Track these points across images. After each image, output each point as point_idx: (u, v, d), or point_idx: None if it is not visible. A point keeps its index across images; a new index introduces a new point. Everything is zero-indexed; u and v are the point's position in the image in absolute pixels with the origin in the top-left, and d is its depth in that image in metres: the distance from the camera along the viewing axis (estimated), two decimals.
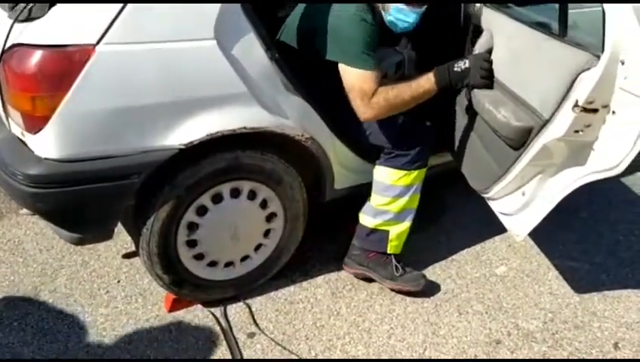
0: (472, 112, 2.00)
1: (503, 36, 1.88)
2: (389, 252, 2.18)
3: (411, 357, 1.95)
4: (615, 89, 1.41)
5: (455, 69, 1.92)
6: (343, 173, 2.18)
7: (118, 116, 1.63)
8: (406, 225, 2.18)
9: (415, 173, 2.11)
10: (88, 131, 1.62)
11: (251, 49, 1.78)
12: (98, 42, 1.55)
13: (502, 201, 1.98)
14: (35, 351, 1.91)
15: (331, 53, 1.94)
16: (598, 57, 1.43)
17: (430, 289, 2.24)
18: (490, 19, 1.98)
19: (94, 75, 1.57)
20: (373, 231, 2.17)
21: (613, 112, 1.44)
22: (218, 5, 1.67)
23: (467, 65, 1.91)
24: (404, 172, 2.09)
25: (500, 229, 2.35)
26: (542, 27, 1.76)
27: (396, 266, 2.18)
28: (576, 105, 1.48)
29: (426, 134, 2.15)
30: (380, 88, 1.90)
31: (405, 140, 2.08)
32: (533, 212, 1.82)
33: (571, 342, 2.04)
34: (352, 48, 1.90)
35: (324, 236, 2.44)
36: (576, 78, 1.48)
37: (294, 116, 1.92)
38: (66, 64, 1.55)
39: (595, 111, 1.46)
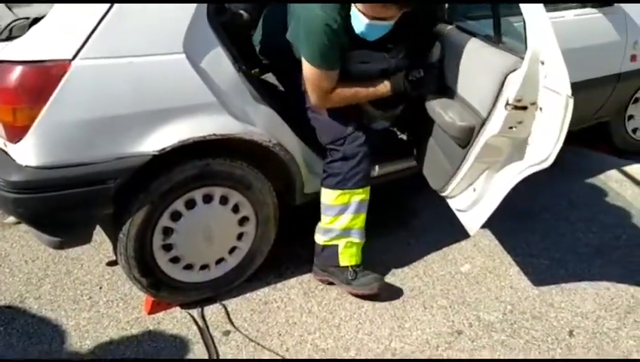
0: (427, 117, 2.15)
1: (452, 46, 2.04)
2: (341, 265, 2.28)
3: (378, 348, 2.06)
4: (539, 87, 1.56)
5: (410, 78, 2.08)
6: (312, 178, 2.31)
7: (94, 126, 1.77)
8: (353, 239, 2.26)
9: (350, 192, 2.18)
10: (66, 140, 1.76)
11: (219, 61, 1.93)
12: (74, 57, 1.71)
13: (457, 199, 2.12)
14: (19, 352, 2.01)
15: (299, 49, 2.08)
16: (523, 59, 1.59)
17: (391, 289, 2.34)
18: (440, 30, 2.14)
19: (71, 87, 1.71)
20: (325, 247, 2.30)
21: (540, 109, 1.59)
22: (187, 21, 1.82)
23: (421, 74, 2.07)
24: (339, 191, 2.17)
25: (466, 231, 2.48)
26: (484, 37, 1.93)
27: (350, 271, 2.27)
28: (507, 103, 1.63)
29: (362, 156, 2.16)
30: (338, 88, 2.05)
31: (336, 161, 2.17)
32: (484, 207, 1.96)
33: (529, 330, 2.15)
34: (313, 48, 2.00)
35: (296, 240, 2.56)
36: (505, 79, 1.63)
37: (262, 123, 2.07)
38: (44, 78, 1.70)
39: (525, 108, 1.61)
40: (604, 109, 3.03)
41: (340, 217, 2.22)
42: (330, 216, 2.23)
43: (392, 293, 2.33)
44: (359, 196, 2.19)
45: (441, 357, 2.03)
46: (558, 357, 2.03)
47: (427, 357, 2.03)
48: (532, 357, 2.03)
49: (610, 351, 2.06)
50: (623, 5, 2.78)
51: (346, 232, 2.24)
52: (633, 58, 2.89)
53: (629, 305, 2.26)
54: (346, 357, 2.03)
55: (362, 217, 2.24)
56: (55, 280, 2.36)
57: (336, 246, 2.27)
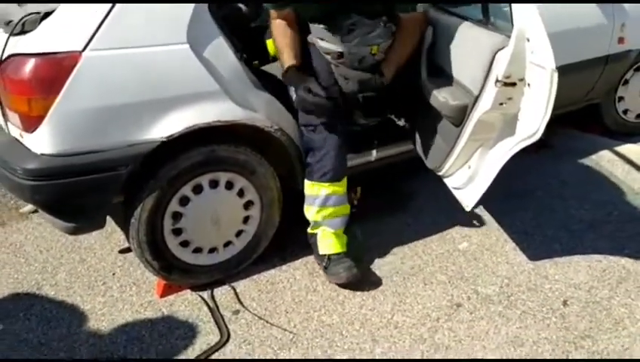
0: (421, 99, 2.24)
1: (443, 29, 2.13)
2: (320, 253, 2.35)
3: (380, 322, 2.16)
4: (527, 63, 1.65)
5: (306, 89, 2.13)
6: None
7: (105, 114, 1.87)
8: (327, 230, 2.32)
9: (318, 185, 2.23)
10: (79, 128, 1.86)
11: (221, 51, 2.03)
12: (84, 49, 1.81)
13: (453, 177, 2.21)
14: (39, 336, 2.10)
15: None
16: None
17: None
18: (432, 16, 2.23)
19: (82, 78, 1.81)
20: (310, 235, 2.41)
21: (528, 84, 1.69)
22: (189, 13, 1.91)
23: (318, 93, 2.12)
24: (309, 182, 2.26)
25: (463, 210, 2.57)
26: (471, 19, 2.02)
27: (325, 260, 2.32)
28: (497, 80, 1.72)
29: (327, 150, 2.19)
30: (279, 21, 2.20)
31: (310, 151, 2.25)
32: (479, 183, 2.06)
33: (525, 302, 2.25)
34: None
35: (300, 224, 2.64)
36: (494, 57, 1.73)
37: (263, 109, 2.16)
38: (56, 69, 1.79)
39: (514, 84, 1.70)
40: (594, 91, 3.12)
41: (311, 207, 2.30)
42: (305, 204, 2.33)
43: (392, 272, 2.42)
44: (327, 189, 2.23)
45: (441, 328, 2.12)
46: (552, 325, 2.12)
47: (428, 328, 2.12)
48: (528, 324, 2.12)
49: (602, 318, 2.15)
50: None
51: (321, 223, 2.32)
52: (621, 40, 2.98)
53: (620, 276, 2.36)
54: (350, 330, 2.12)
55: (333, 210, 2.28)
56: (70, 268, 2.45)
57: (316, 234, 2.37)
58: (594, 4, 2.81)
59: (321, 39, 2.18)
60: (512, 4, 1.65)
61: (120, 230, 2.56)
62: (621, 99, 3.36)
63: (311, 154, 2.24)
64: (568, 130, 3.49)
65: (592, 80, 3.03)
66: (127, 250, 2.51)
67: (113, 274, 2.43)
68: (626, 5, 2.94)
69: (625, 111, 3.43)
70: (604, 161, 3.24)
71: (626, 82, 3.31)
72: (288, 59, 2.19)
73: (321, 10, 2.13)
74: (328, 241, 2.34)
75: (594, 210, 2.79)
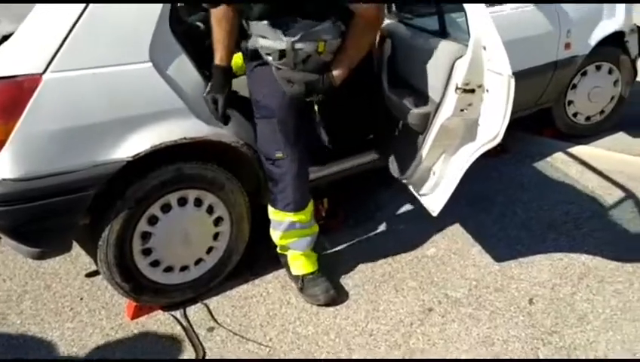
0: (386, 109, 2.30)
1: (402, 40, 2.19)
2: (293, 274, 2.36)
3: (355, 331, 2.18)
4: (484, 71, 1.72)
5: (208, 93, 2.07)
6: None
7: (68, 136, 1.85)
8: (296, 252, 2.32)
9: (282, 214, 2.20)
10: (41, 151, 1.82)
11: (184, 68, 2.03)
12: (44, 71, 1.78)
13: (418, 183, 2.26)
14: None
15: None
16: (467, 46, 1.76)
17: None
18: (391, 28, 2.30)
19: (43, 100, 1.79)
20: (280, 255, 2.43)
21: (487, 90, 1.76)
22: (151, 31, 1.92)
23: (218, 101, 2.07)
24: (273, 209, 2.24)
25: (430, 217, 2.63)
26: (429, 30, 2.09)
27: (300, 281, 2.33)
28: (457, 87, 1.79)
29: (287, 183, 2.15)
30: (214, 15, 2.03)
31: (271, 181, 2.20)
32: (444, 188, 2.12)
33: (493, 302, 2.31)
34: None
35: (270, 238, 2.65)
36: (453, 65, 1.80)
37: (230, 126, 2.16)
38: (16, 92, 1.76)
39: (473, 91, 1.77)
40: (545, 96, 3.25)
41: (276, 231, 2.29)
42: (270, 227, 2.32)
43: (364, 280, 2.45)
44: (292, 218, 2.21)
45: (415, 333, 2.15)
46: (520, 323, 2.18)
47: (402, 334, 2.15)
48: (498, 324, 2.18)
49: (567, 314, 2.23)
50: None
51: (288, 245, 2.32)
52: (567, 46, 3.12)
53: (581, 272, 2.45)
54: (326, 340, 2.13)
55: (299, 233, 2.26)
56: (35, 296, 2.39)
57: (286, 255, 2.39)
58: (541, 13, 2.94)
59: (262, 37, 1.91)
60: (468, 15, 1.72)
61: (85, 253, 2.51)
62: (571, 102, 3.51)
63: (272, 184, 2.20)
64: (523, 134, 3.61)
65: (542, 85, 3.16)
66: (94, 274, 2.46)
67: (81, 298, 2.38)
68: (570, 12, 3.08)
69: (575, 115, 3.58)
70: (558, 162, 3.37)
71: (575, 86, 3.46)
72: (216, 57, 2.06)
73: (265, 11, 1.89)
74: (298, 263, 2.35)
75: (552, 210, 2.90)
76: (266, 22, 1.88)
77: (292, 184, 2.15)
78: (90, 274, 2.49)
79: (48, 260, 2.48)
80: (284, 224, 2.24)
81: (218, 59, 2.07)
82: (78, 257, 2.58)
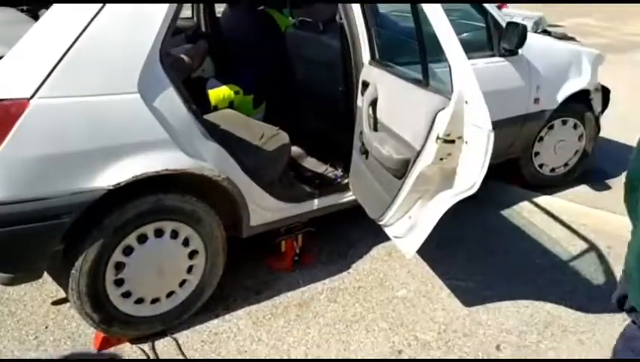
0: (365, 151, 2.36)
1: (385, 87, 2.27)
2: None
3: None
4: (465, 123, 1.80)
5: None
6: (258, 211, 2.44)
7: (50, 162, 1.83)
8: None
9: None
10: (22, 176, 1.81)
11: (171, 100, 2.05)
12: (32, 96, 1.77)
13: (394, 226, 2.31)
14: None
15: None
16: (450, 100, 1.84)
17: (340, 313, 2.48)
18: (375, 74, 2.38)
19: (28, 125, 1.78)
20: None
21: (466, 142, 1.83)
22: (141, 63, 1.94)
23: None
24: None
25: (401, 258, 2.67)
26: (412, 80, 2.18)
27: None
28: (438, 137, 1.86)
29: None
30: None
31: None
32: (419, 232, 2.16)
33: (461, 347, 2.35)
34: None
35: (242, 272, 2.66)
36: (435, 117, 1.87)
37: (211, 159, 2.19)
38: (2, 115, 1.75)
39: (453, 142, 1.84)
40: (514, 146, 3.39)
41: None
42: None
43: (335, 319, 2.46)
44: None
45: None
46: None
47: None
48: None
49: None
50: (525, 53, 3.16)
51: None
52: (536, 101, 3.28)
53: (546, 320, 2.52)
54: None
55: None
56: None
57: None
58: (513, 69, 3.09)
59: None
60: (452, 70, 1.80)
61: (52, 280, 2.45)
62: (537, 154, 3.65)
63: None
64: (491, 182, 3.73)
65: (512, 136, 3.29)
66: (62, 301, 2.40)
67: (46, 327, 2.32)
68: (541, 69, 3.24)
69: (541, 166, 3.72)
70: (525, 211, 3.48)
71: (541, 139, 3.61)
72: None
73: None
74: None
75: (518, 257, 2.98)
76: None
77: None
78: (56, 302, 2.43)
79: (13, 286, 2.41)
80: None
81: None
82: (44, 284, 2.52)
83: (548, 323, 2.50)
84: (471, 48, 2.94)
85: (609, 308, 2.53)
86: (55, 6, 1.93)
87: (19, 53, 1.82)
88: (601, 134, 3.88)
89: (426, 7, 1.90)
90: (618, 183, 3.81)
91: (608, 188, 3.78)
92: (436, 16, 1.87)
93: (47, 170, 1.84)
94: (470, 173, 1.84)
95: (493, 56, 3.06)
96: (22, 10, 2.71)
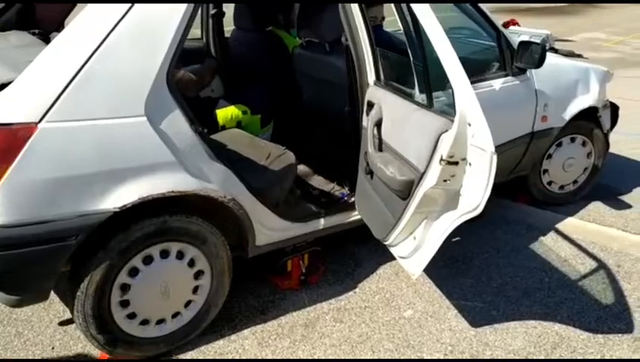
0: (369, 172, 2.36)
1: (389, 108, 2.28)
2: None
3: None
4: (468, 145, 1.80)
5: None
6: (264, 231, 2.45)
7: (57, 185, 1.86)
8: None
9: None
10: (30, 199, 1.83)
11: (177, 123, 2.07)
12: (40, 120, 1.80)
13: (399, 246, 2.31)
14: None
15: None
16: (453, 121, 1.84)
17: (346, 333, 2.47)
18: (379, 95, 2.39)
19: (36, 149, 1.80)
20: None
21: (470, 164, 1.83)
22: (148, 86, 1.96)
23: None
24: None
25: (408, 277, 2.65)
26: (416, 101, 2.19)
27: None
28: (441, 159, 1.86)
29: None
30: None
31: None
32: (424, 253, 2.16)
33: None
34: None
35: (248, 291, 2.66)
36: (439, 138, 1.88)
37: (217, 180, 2.20)
38: (10, 140, 1.78)
39: (456, 163, 1.84)
40: (522, 164, 3.38)
41: None
42: None
43: (341, 340, 2.45)
44: None
45: None
46: None
47: None
48: None
49: None
50: (532, 71, 3.15)
51: None
52: (544, 119, 3.27)
53: (554, 341, 2.49)
54: None
55: None
56: (5, 342, 2.33)
57: None
58: (522, 88, 3.09)
59: None
60: (455, 92, 1.81)
61: (59, 300, 2.47)
62: (545, 171, 3.63)
63: None
64: (500, 200, 3.71)
65: (519, 154, 3.28)
66: (68, 322, 2.42)
67: (52, 348, 2.33)
68: (548, 87, 3.23)
69: (549, 183, 3.70)
70: (533, 229, 3.45)
71: (550, 156, 3.60)
72: None
73: None
74: None
75: (527, 277, 2.96)
76: None
77: None
78: (63, 323, 2.45)
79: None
80: None
81: None
82: (51, 304, 2.54)
83: (556, 344, 2.47)
84: (485, 69, 2.97)
85: (618, 328, 2.52)
86: (65, 30, 1.97)
87: (27, 78, 1.85)
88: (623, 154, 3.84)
89: (429, 31, 1.92)
90: (628, 200, 3.78)
91: (618, 205, 3.74)
92: (438, 38, 1.88)
93: (54, 193, 1.86)
94: (474, 194, 1.83)
95: (507, 75, 3.05)
96: (34, 34, 2.76)
